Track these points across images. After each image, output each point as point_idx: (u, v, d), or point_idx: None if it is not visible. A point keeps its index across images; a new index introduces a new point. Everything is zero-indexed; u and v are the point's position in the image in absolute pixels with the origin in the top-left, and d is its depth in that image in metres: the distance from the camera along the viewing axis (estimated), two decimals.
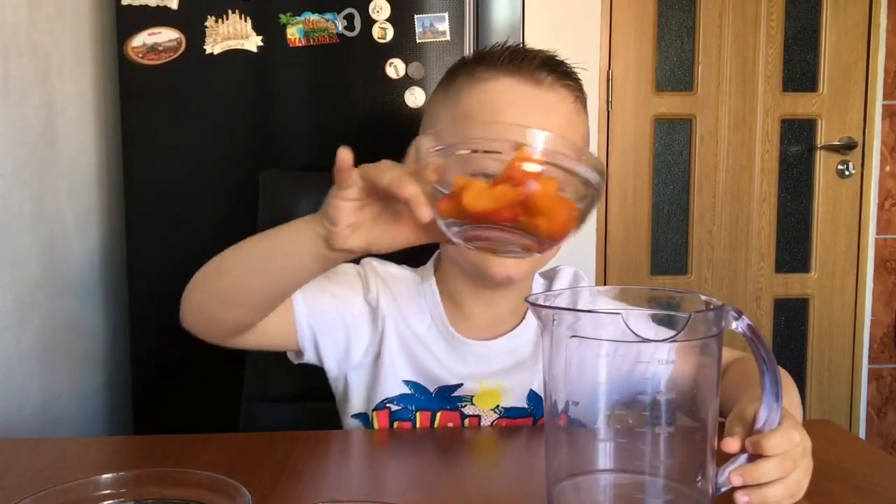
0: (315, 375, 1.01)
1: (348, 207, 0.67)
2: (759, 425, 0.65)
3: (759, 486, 0.64)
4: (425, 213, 0.62)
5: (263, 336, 0.89)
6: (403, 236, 0.69)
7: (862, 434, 2.42)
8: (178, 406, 1.76)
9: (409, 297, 0.96)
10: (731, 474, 0.64)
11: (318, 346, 0.94)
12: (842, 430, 0.92)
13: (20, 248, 1.51)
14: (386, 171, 0.65)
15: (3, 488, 0.74)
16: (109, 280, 1.89)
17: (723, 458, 0.65)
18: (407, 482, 0.74)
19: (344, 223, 0.67)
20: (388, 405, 0.95)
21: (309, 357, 0.95)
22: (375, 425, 0.95)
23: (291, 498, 0.70)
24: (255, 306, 0.82)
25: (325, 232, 0.69)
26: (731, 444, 0.65)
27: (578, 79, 0.91)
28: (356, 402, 0.97)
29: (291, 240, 0.74)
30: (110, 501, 0.59)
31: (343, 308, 0.94)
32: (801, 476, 0.67)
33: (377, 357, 0.95)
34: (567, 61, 0.91)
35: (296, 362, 0.97)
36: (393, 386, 0.95)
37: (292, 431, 0.88)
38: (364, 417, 0.97)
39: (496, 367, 0.95)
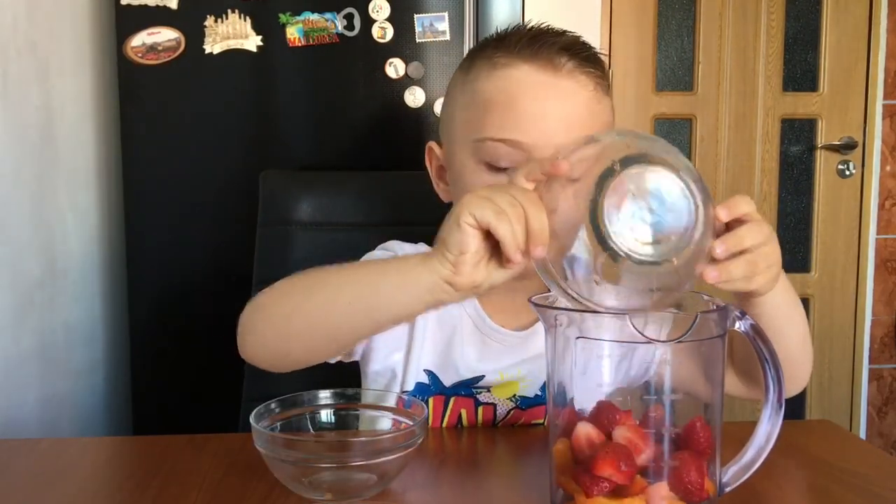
0: (315, 376, 1.01)
1: (476, 234, 0.66)
2: (760, 423, 0.65)
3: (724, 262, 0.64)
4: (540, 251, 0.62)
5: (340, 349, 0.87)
6: (513, 271, 0.68)
7: (862, 434, 2.42)
8: (178, 406, 1.76)
9: None
10: (715, 244, 0.64)
11: (371, 343, 0.92)
12: (842, 430, 0.92)
13: (20, 248, 1.51)
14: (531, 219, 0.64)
15: (2, 488, 0.74)
16: (109, 280, 1.89)
17: (727, 458, 0.65)
18: (407, 482, 0.74)
19: (473, 249, 0.66)
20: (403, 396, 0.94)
21: (356, 355, 0.93)
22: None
23: (292, 498, 0.70)
24: (341, 347, 0.80)
25: (448, 268, 0.67)
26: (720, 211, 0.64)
27: (602, 63, 0.89)
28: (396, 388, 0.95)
29: (401, 282, 0.71)
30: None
31: None
32: (767, 254, 0.67)
33: (407, 345, 0.93)
34: (590, 45, 0.89)
35: (332, 361, 0.94)
36: (412, 377, 0.93)
37: None
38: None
39: (518, 357, 0.93)
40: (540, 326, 0.93)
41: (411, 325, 0.93)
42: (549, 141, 0.82)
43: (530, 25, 0.90)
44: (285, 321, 0.78)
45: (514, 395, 0.94)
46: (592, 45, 0.90)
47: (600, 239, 0.58)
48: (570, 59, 0.85)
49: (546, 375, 0.67)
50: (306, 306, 0.77)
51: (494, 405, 0.94)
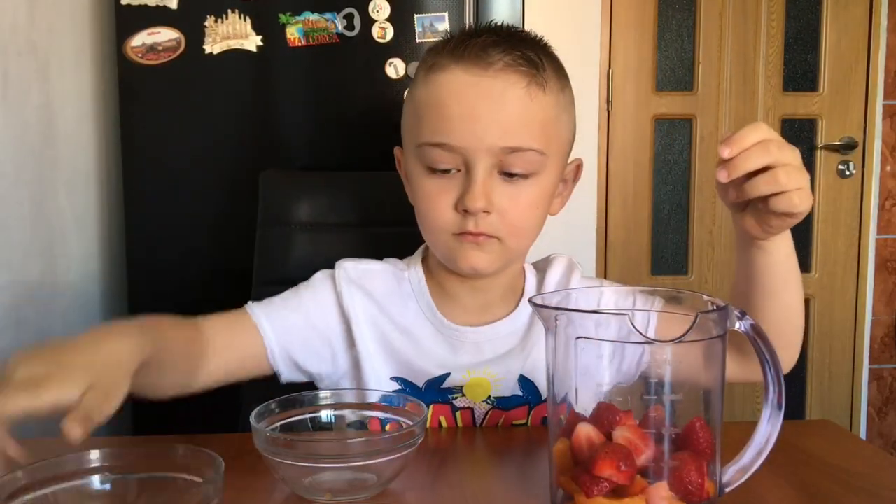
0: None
1: None
2: (760, 423, 0.65)
3: (746, 178, 0.70)
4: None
5: (222, 376, 0.90)
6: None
7: (862, 434, 2.42)
8: (177, 406, 1.76)
9: (388, 289, 0.95)
10: (718, 171, 0.68)
11: (297, 363, 0.92)
12: (842, 430, 0.92)
13: (19, 248, 1.51)
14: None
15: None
16: (109, 280, 1.89)
17: (727, 458, 0.65)
18: (407, 482, 0.74)
19: None
20: None
21: (287, 377, 0.93)
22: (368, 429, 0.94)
23: (292, 498, 0.70)
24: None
25: None
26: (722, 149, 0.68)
27: (549, 58, 0.87)
28: None
29: None
30: (97, 475, 0.65)
31: (316, 317, 0.92)
32: (792, 173, 0.69)
33: (355, 363, 0.93)
34: (536, 39, 0.88)
35: (282, 382, 0.94)
36: (378, 387, 0.92)
37: None
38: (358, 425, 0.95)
39: (485, 356, 0.93)
40: (504, 325, 0.94)
41: (347, 349, 0.94)
42: (479, 143, 0.82)
43: (476, 26, 0.90)
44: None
45: (489, 397, 0.93)
46: (536, 37, 0.88)
47: None
48: (501, 56, 0.83)
49: (546, 376, 0.67)
50: None
51: (472, 409, 0.94)
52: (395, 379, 0.93)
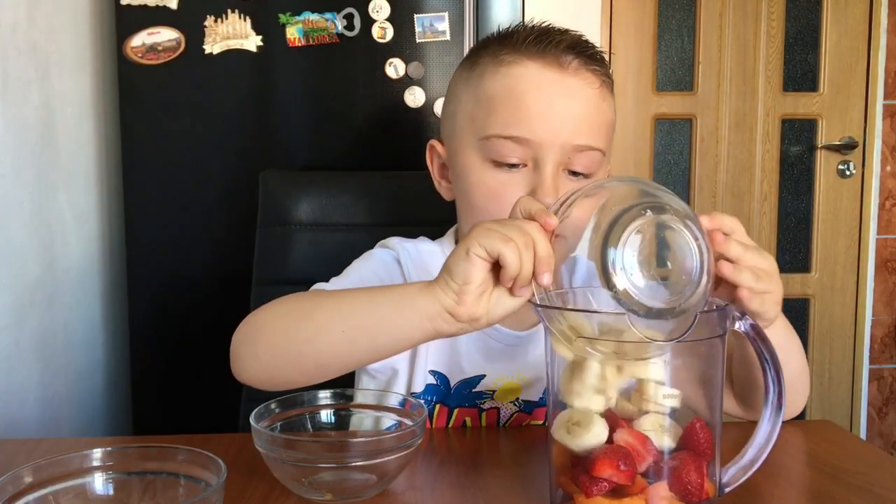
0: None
1: (483, 266, 0.65)
2: (760, 423, 0.65)
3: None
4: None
5: None
6: (514, 303, 0.67)
7: (862, 434, 2.42)
8: (177, 406, 1.76)
9: None
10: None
11: None
12: (842, 431, 0.92)
13: (20, 248, 1.51)
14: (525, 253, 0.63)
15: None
16: (109, 280, 1.89)
17: (727, 458, 0.65)
18: (407, 482, 0.74)
19: (478, 281, 0.65)
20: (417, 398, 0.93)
21: None
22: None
23: (292, 498, 0.70)
24: (334, 373, 0.76)
25: (451, 297, 0.66)
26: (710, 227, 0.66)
27: (605, 62, 0.89)
28: (400, 388, 0.94)
29: (400, 309, 0.69)
30: (97, 475, 0.65)
31: None
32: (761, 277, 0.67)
33: (414, 354, 0.92)
34: (594, 44, 0.89)
35: None
36: (421, 378, 0.93)
37: None
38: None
39: (519, 362, 0.93)
40: (541, 330, 0.93)
41: None
42: (555, 138, 0.83)
43: (534, 23, 0.90)
44: (277, 346, 0.76)
45: (517, 399, 0.94)
46: (596, 44, 0.90)
47: (608, 283, 0.58)
48: (575, 56, 0.85)
49: (546, 377, 0.67)
50: (300, 331, 0.75)
51: (498, 409, 0.94)
52: (434, 373, 0.93)
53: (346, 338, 0.72)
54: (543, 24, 0.89)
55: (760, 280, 0.67)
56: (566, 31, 0.89)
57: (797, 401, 0.86)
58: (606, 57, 0.91)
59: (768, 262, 0.68)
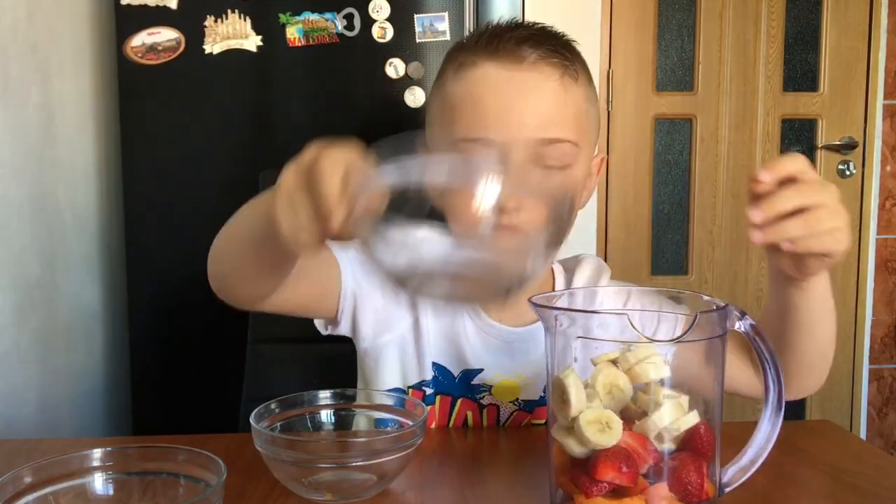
0: (314, 376, 1.01)
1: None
2: (760, 423, 0.65)
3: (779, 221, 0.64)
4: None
5: (295, 302, 0.86)
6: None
7: (862, 434, 2.42)
8: (177, 406, 1.76)
9: None
10: (750, 212, 0.63)
11: (356, 312, 0.91)
12: (842, 431, 0.92)
13: (20, 248, 1.51)
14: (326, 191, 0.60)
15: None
16: (108, 280, 1.89)
17: (727, 458, 0.65)
18: (407, 482, 0.74)
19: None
20: (423, 388, 0.93)
21: (343, 327, 0.92)
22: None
23: (292, 498, 0.70)
24: (266, 279, 0.78)
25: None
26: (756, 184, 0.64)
27: (572, 51, 0.88)
28: (389, 377, 0.94)
29: (254, 204, 0.73)
30: (97, 475, 0.65)
31: None
32: (827, 215, 0.65)
33: (416, 337, 0.93)
34: (558, 33, 0.88)
35: (324, 333, 0.94)
36: (427, 367, 0.93)
37: None
38: (400, 391, 0.94)
39: (518, 358, 0.93)
40: (540, 328, 0.93)
41: (411, 315, 0.93)
42: (518, 135, 0.82)
43: (497, 22, 0.90)
44: (215, 263, 0.83)
45: (517, 399, 0.94)
46: (560, 33, 0.89)
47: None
48: (532, 49, 0.84)
49: (546, 376, 0.67)
50: (223, 240, 0.81)
51: (498, 406, 0.94)
52: (435, 365, 0.93)
53: (236, 238, 0.78)
54: (509, 21, 0.89)
55: (824, 219, 0.65)
56: (526, 25, 0.88)
57: (824, 368, 0.85)
58: (577, 46, 0.89)
59: (829, 193, 0.66)
